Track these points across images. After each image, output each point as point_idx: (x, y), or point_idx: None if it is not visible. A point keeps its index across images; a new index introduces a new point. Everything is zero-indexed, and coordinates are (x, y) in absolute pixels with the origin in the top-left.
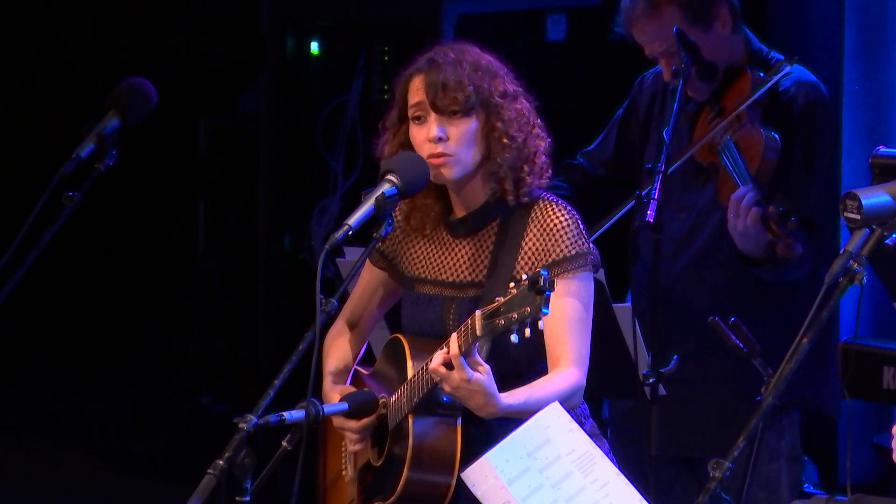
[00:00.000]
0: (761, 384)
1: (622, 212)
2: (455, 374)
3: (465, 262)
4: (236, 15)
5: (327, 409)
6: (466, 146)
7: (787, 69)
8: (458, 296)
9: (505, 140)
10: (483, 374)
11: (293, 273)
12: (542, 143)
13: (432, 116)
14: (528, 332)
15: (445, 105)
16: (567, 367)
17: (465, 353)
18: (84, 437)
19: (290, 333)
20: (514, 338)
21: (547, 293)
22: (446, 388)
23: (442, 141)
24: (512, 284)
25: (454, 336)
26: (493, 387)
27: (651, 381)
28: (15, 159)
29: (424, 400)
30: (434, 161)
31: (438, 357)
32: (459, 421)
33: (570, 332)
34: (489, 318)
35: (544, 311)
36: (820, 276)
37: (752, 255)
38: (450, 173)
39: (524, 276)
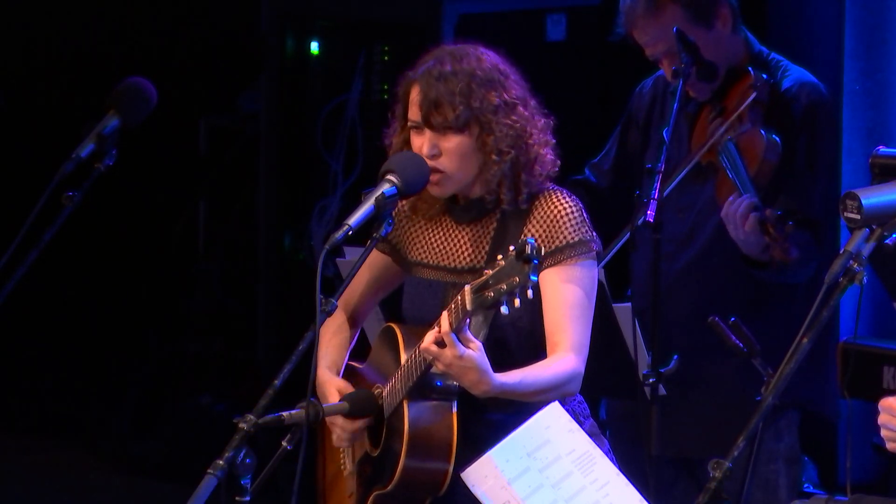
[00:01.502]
0: (761, 384)
1: (624, 239)
2: (447, 352)
3: (466, 248)
4: (236, 15)
5: (327, 409)
6: (460, 162)
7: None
8: (459, 281)
9: (494, 156)
10: (475, 351)
11: (293, 273)
12: (544, 149)
13: (427, 132)
14: (517, 302)
15: (438, 123)
16: (565, 353)
17: (457, 330)
18: (84, 437)
19: (290, 333)
20: (504, 309)
21: (534, 261)
22: (439, 366)
23: (436, 157)
24: (500, 257)
25: (445, 314)
26: (486, 363)
27: (651, 381)
28: (15, 159)
29: (419, 384)
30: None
31: (430, 336)
32: (455, 406)
33: (571, 318)
34: (478, 291)
35: (532, 278)
36: (820, 277)
37: (756, 258)
38: (444, 190)
39: (511, 247)
